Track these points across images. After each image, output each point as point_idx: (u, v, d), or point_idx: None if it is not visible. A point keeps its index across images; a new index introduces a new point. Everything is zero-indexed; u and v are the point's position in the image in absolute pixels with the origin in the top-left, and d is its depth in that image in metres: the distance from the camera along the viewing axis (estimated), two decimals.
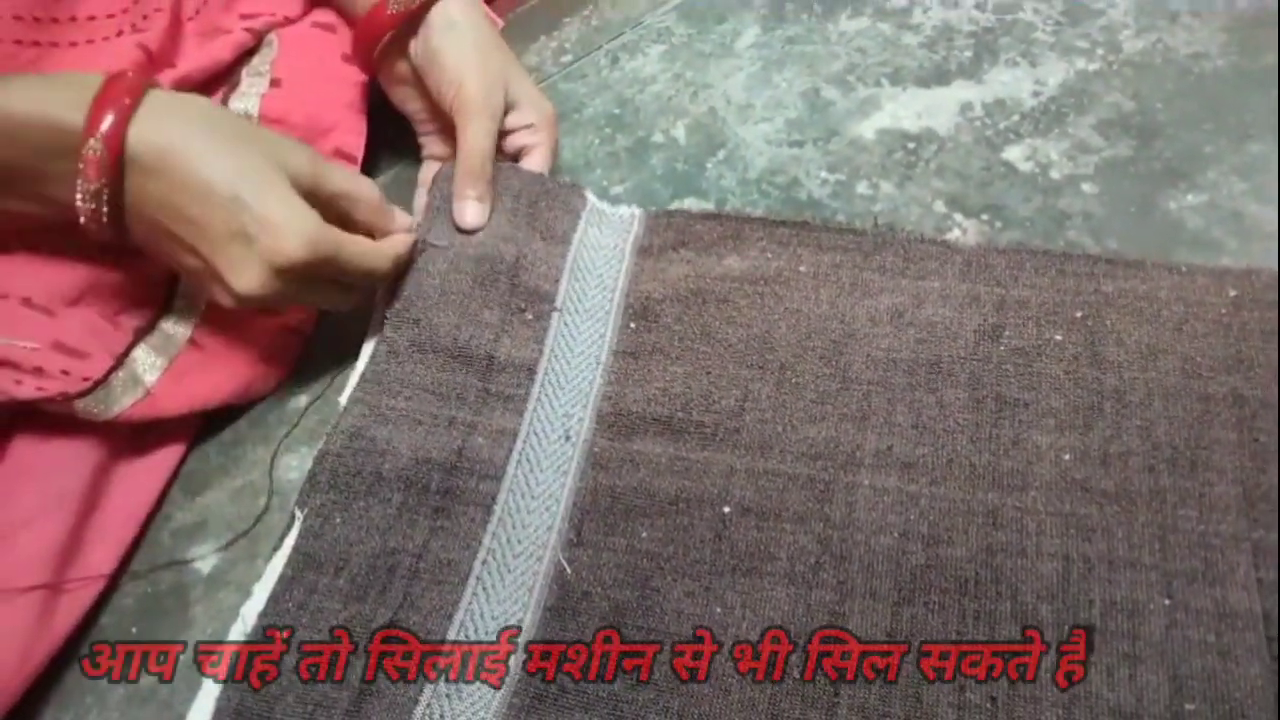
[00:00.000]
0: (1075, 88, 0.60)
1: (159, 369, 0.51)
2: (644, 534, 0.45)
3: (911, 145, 0.60)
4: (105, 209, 0.45)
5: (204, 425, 0.54)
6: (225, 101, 0.58)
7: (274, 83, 0.59)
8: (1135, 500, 0.42)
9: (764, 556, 0.43)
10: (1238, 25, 0.61)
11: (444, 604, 0.44)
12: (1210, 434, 0.43)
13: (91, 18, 0.57)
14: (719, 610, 0.42)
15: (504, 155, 0.58)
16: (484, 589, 0.44)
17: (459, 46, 0.54)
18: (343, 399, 0.52)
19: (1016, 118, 0.60)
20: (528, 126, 0.57)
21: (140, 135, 0.44)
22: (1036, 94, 0.61)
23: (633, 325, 0.51)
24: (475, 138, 0.53)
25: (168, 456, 0.53)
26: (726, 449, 0.46)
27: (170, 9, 0.58)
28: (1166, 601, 0.40)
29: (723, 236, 0.54)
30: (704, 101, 0.65)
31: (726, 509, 0.45)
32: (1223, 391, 0.44)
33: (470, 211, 0.53)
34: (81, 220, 0.46)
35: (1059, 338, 0.47)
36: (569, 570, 0.44)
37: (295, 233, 0.45)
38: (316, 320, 0.57)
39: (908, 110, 0.62)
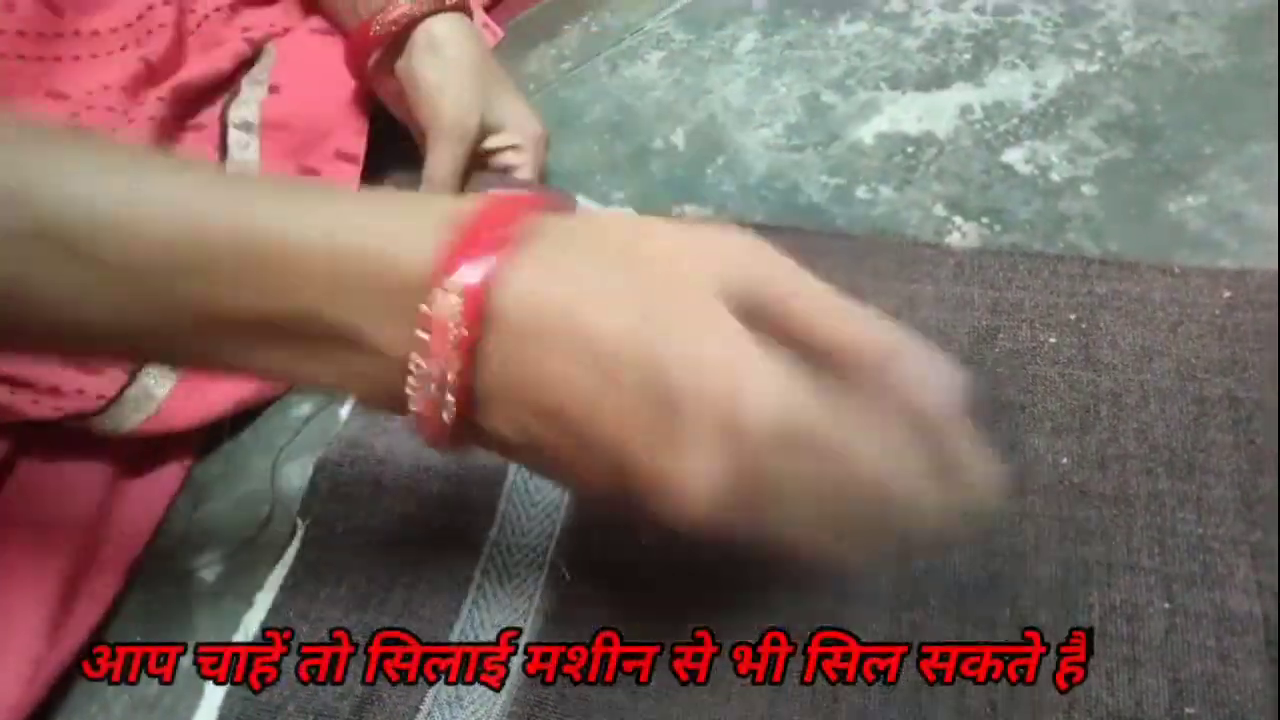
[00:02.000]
0: (1075, 89, 0.60)
1: (170, 382, 0.52)
2: (643, 539, 0.45)
3: (911, 149, 0.60)
4: (451, 397, 0.29)
5: (206, 434, 0.54)
6: (225, 111, 0.58)
7: (273, 89, 0.60)
8: (1133, 503, 0.42)
9: (763, 561, 0.43)
10: (1237, 25, 0.61)
11: (444, 612, 0.44)
12: (1207, 436, 0.43)
13: (95, 32, 0.58)
14: (719, 614, 0.42)
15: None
16: (484, 597, 0.44)
17: (438, 68, 0.54)
18: (344, 410, 0.52)
19: (1016, 120, 0.60)
20: (512, 147, 0.57)
21: (516, 287, 0.28)
22: (1036, 96, 0.61)
23: None
24: (439, 160, 0.53)
25: (175, 469, 0.53)
26: None
27: (174, 24, 0.59)
28: (1166, 605, 0.39)
29: None
30: (703, 107, 0.65)
31: None
32: (1218, 393, 0.44)
33: None
34: (412, 412, 0.30)
35: (1053, 340, 0.47)
36: (568, 576, 0.44)
37: (754, 382, 0.27)
38: None
39: (907, 114, 0.62)
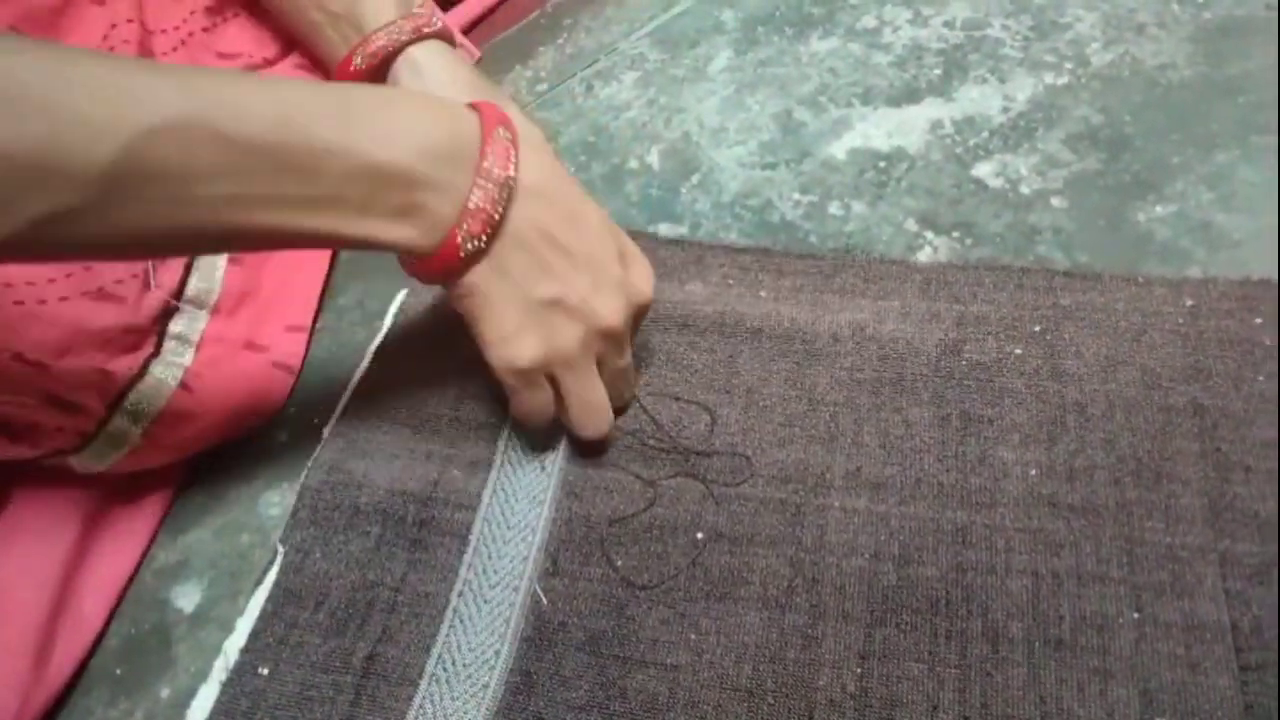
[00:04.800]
0: (1044, 102, 0.61)
1: (150, 417, 0.52)
2: (619, 562, 0.45)
3: (882, 164, 0.60)
4: (499, 213, 0.42)
5: (187, 465, 0.55)
6: None
7: None
8: (1102, 514, 0.42)
9: (737, 581, 0.44)
10: (1203, 36, 0.61)
11: (422, 637, 0.44)
12: (1173, 445, 0.43)
13: None
14: (694, 636, 0.43)
15: None
16: (461, 621, 0.44)
17: (434, 88, 0.54)
18: (325, 432, 0.53)
19: (986, 134, 0.60)
20: None
21: (526, 156, 0.43)
22: (1006, 110, 0.61)
23: None
24: None
25: (157, 501, 0.53)
26: (698, 475, 0.47)
27: (138, 41, 0.59)
28: (1135, 615, 0.40)
29: (685, 262, 0.54)
30: (678, 127, 0.65)
31: (699, 535, 0.45)
32: (1183, 402, 0.44)
33: None
34: (454, 239, 0.41)
35: (1019, 351, 0.47)
36: (545, 600, 0.44)
37: (648, 271, 0.47)
38: (304, 355, 0.57)
39: (879, 129, 0.62)
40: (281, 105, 0.38)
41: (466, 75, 0.56)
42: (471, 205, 0.41)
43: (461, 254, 0.42)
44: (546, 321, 0.44)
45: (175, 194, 0.36)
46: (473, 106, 0.44)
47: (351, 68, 0.55)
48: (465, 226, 0.41)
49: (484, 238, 0.42)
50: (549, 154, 0.45)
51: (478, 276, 0.43)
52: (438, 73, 0.55)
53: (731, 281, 0.53)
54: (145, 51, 0.59)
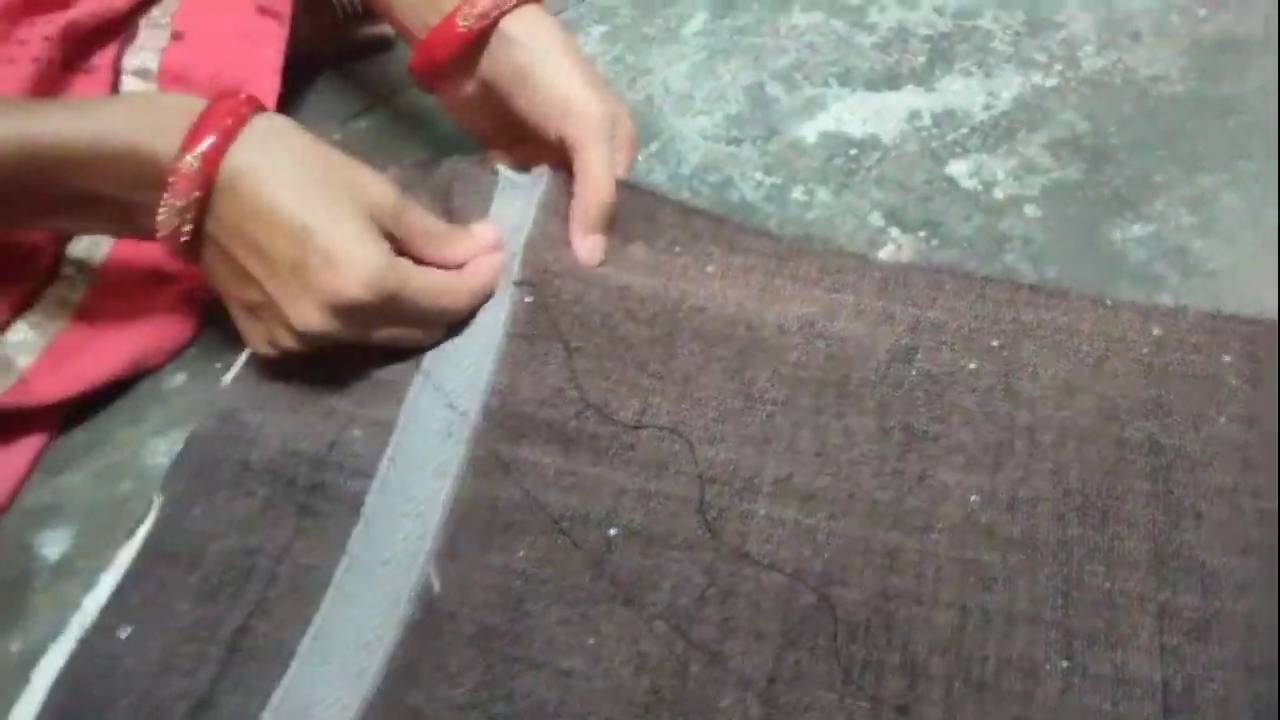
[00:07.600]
0: (1029, 103, 0.58)
1: (35, 350, 0.47)
2: (521, 552, 0.41)
3: (853, 151, 0.57)
4: (187, 228, 0.43)
5: (74, 405, 0.50)
6: (120, 55, 0.54)
7: (175, 35, 0.55)
8: (1041, 550, 0.39)
9: (646, 586, 0.40)
10: (1200, 49, 0.58)
11: (299, 612, 0.41)
12: (1123, 483, 0.40)
13: None
14: (592, 641, 0.39)
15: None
16: (344, 599, 0.41)
17: (555, 63, 0.49)
18: (226, 379, 0.49)
19: (965, 130, 0.57)
20: None
21: (232, 157, 0.42)
22: (988, 107, 0.58)
23: (529, 300, 0.47)
24: (600, 166, 0.48)
25: (34, 441, 0.49)
26: (619, 466, 0.43)
27: None
28: (1065, 663, 0.37)
29: (634, 212, 0.50)
30: (642, 89, 0.62)
31: (612, 531, 0.42)
32: (1139, 438, 0.41)
33: (595, 247, 0.49)
34: (158, 238, 0.44)
35: (973, 366, 0.44)
36: (437, 585, 0.41)
37: (357, 267, 0.42)
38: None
39: (854, 114, 0.59)
40: None
41: (574, 47, 0.51)
42: (160, 218, 0.43)
43: (176, 254, 0.44)
44: (258, 319, 0.46)
45: None
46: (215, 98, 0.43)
47: (456, 29, 0.50)
48: (164, 231, 0.43)
49: (181, 241, 0.43)
50: (274, 149, 0.44)
51: (207, 266, 0.45)
52: (553, 41, 0.50)
53: (679, 249, 0.49)
54: None
